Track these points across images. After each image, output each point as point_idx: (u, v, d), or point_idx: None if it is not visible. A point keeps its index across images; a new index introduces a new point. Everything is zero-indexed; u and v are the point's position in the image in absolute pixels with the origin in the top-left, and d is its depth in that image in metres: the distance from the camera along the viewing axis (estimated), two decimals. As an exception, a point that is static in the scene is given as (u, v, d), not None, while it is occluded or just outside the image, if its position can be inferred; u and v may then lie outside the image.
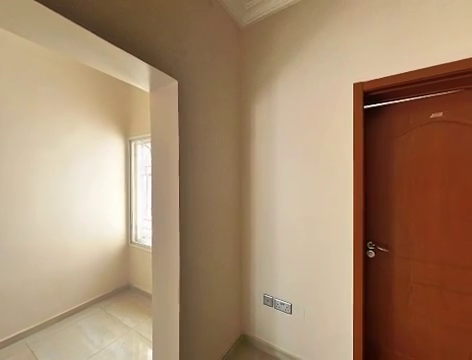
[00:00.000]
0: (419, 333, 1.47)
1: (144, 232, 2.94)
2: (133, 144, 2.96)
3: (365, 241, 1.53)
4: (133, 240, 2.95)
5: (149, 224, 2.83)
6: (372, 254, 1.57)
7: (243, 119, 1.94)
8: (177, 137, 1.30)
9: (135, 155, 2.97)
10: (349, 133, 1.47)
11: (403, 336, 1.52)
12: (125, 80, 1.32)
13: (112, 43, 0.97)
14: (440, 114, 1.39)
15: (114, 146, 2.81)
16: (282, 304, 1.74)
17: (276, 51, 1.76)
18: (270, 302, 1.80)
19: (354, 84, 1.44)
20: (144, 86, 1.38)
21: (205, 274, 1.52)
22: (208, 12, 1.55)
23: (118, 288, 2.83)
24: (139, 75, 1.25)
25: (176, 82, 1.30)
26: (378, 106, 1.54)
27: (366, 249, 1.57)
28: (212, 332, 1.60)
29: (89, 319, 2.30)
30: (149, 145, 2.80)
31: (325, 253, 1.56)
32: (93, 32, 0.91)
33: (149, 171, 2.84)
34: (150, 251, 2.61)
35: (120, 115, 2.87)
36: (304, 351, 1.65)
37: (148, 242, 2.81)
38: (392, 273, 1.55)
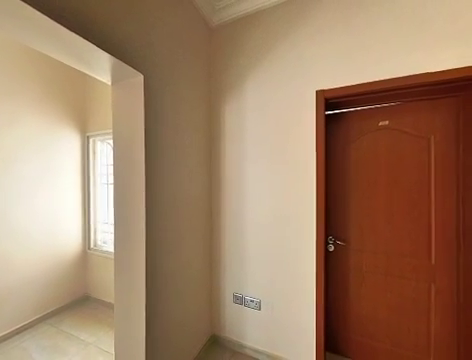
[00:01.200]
0: (369, 316, 1.66)
1: (105, 237, 2.71)
2: (92, 140, 2.69)
3: (326, 236, 1.67)
4: (92, 246, 2.69)
5: (111, 228, 2.62)
6: (332, 248, 1.72)
7: (213, 119, 1.93)
8: (143, 134, 1.23)
9: (94, 152, 2.71)
10: (312, 137, 1.58)
11: (357, 320, 1.70)
12: (82, 70, 1.19)
13: (64, 26, 0.87)
14: (386, 122, 1.59)
15: (69, 142, 2.52)
16: (252, 301, 1.78)
17: (246, 54, 1.79)
18: (240, 300, 1.83)
19: (316, 91, 1.56)
20: (105, 78, 1.27)
21: (174, 277, 1.47)
22: (178, 7, 1.50)
23: (74, 300, 2.55)
24: (99, 66, 1.14)
25: (142, 76, 1.23)
26: (337, 113, 1.70)
27: (327, 243, 1.70)
28: (181, 336, 1.56)
29: (37, 338, 2.02)
30: (111, 142, 2.59)
31: (291, 249, 1.65)
32: (38, 10, 0.79)
33: (111, 170, 2.62)
34: (112, 257, 2.42)
35: (76, 108, 2.59)
36: (272, 345, 1.72)
37: (109, 247, 2.59)
38: (348, 264, 1.72)
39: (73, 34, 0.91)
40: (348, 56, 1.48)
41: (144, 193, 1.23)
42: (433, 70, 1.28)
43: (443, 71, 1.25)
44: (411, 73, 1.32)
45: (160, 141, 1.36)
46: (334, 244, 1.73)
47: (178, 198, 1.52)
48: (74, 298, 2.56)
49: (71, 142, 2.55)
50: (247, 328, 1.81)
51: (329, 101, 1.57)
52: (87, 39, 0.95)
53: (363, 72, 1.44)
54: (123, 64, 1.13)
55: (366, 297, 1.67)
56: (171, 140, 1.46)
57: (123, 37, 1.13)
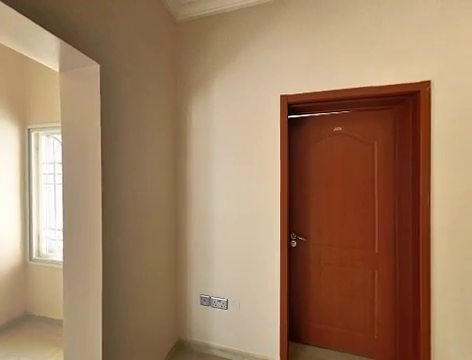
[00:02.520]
0: (326, 303, 1.82)
1: (51, 244, 2.38)
2: (34, 134, 2.33)
3: (289, 233, 1.77)
4: (34, 256, 2.33)
5: (59, 234, 2.31)
6: (294, 244, 1.83)
7: (180, 116, 1.87)
8: (98, 128, 1.12)
9: (37, 148, 2.36)
10: (277, 139, 1.66)
11: (316, 308, 1.85)
12: (22, 52, 1.02)
13: (-1, -1, 0.74)
14: (340, 128, 1.77)
15: (5, 136, 2.14)
16: (219, 301, 1.78)
17: (213, 53, 1.78)
18: (207, 301, 1.81)
19: (281, 95, 1.64)
20: (52, 64, 1.12)
21: (135, 283, 1.38)
22: (139, -5, 1.41)
23: (11, 320, 2.17)
24: (44, 49, 1.00)
25: (98, 66, 1.11)
26: (299, 117, 1.82)
27: (290, 240, 1.81)
28: (145, 346, 1.47)
29: (-43, 373, 1.66)
30: (59, 137, 2.28)
31: (257, 247, 1.70)
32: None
33: (59, 169, 2.31)
34: (60, 267, 2.14)
35: (13, 96, 2.21)
36: (238, 342, 1.74)
37: (57, 256, 2.29)
38: (308, 258, 1.86)
39: (9, 8, 0.77)
40: (309, 66, 1.60)
41: (100, 194, 1.12)
42: (376, 85, 1.47)
43: (383, 86, 1.45)
44: (359, 86, 1.49)
45: (120, 137, 1.26)
46: (296, 240, 1.85)
47: (140, 198, 1.43)
48: (11, 318, 2.18)
49: (8, 136, 2.16)
50: (214, 329, 1.80)
51: (292, 106, 1.67)
52: (28, 16, 0.82)
53: (321, 81, 1.57)
54: (74, 50, 1.00)
55: (324, 287, 1.83)
56: (133, 136, 1.36)
57: (75, 20, 1.01)
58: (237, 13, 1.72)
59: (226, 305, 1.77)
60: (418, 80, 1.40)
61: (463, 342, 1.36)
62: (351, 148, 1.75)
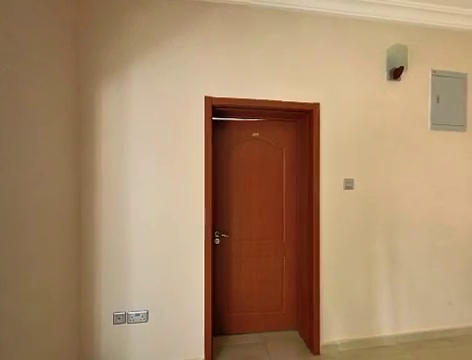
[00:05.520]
0: (246, 292, 2.00)
1: None
2: None
3: (213, 232, 1.82)
4: None
5: None
6: (218, 241, 1.90)
7: (85, 103, 1.55)
8: None
9: None
10: (201, 139, 1.67)
11: (237, 299, 1.99)
12: None
13: None
14: (257, 134, 1.99)
15: None
16: (137, 315, 1.60)
17: (129, 39, 1.59)
18: (122, 319, 1.59)
19: (205, 96, 1.66)
20: None
21: (14, 319, 1.02)
22: None
23: None
24: None
25: None
26: (223, 120, 1.91)
27: (213, 238, 1.87)
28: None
29: None
30: None
31: (181, 249, 1.65)
32: None
33: None
34: None
35: None
36: (162, 353, 1.63)
37: None
38: (231, 252, 1.98)
39: None
40: (232, 72, 1.70)
41: None
42: (284, 100, 1.75)
43: (289, 102, 1.75)
44: (272, 99, 1.73)
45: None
46: (220, 237, 1.93)
47: (21, 206, 1.08)
48: None
49: None
50: (131, 347, 1.60)
51: (216, 108, 1.73)
52: None
53: (242, 89, 1.71)
54: None
55: (244, 277, 2.00)
56: (7, 114, 1.00)
57: None
58: (157, 2, 1.60)
59: (146, 317, 1.61)
60: (312, 101, 1.78)
61: (338, 301, 1.83)
62: (266, 152, 2.01)
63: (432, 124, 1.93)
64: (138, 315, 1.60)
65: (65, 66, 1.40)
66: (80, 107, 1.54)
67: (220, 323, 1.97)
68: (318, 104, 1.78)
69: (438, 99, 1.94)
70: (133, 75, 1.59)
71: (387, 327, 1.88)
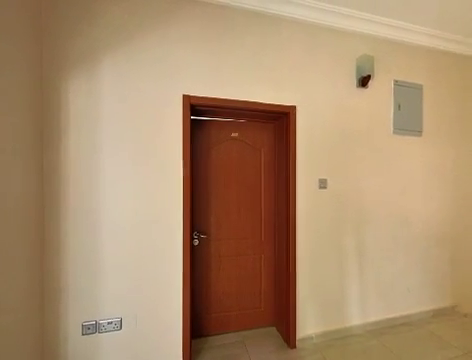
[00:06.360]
0: (225, 292, 2.00)
1: None
2: None
3: (192, 233, 1.79)
4: None
5: None
6: (196, 242, 1.87)
7: (49, 96, 1.42)
8: None
9: None
10: (179, 138, 1.63)
11: (216, 299, 1.98)
12: None
13: None
14: (236, 134, 2.00)
15: None
16: (109, 323, 1.51)
17: (101, 29, 1.49)
18: (92, 328, 1.48)
19: (183, 95, 1.63)
20: None
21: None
22: None
23: None
24: None
25: None
26: (202, 119, 1.88)
27: (192, 239, 1.83)
28: None
29: None
30: None
31: (158, 251, 1.59)
32: None
33: None
34: None
35: None
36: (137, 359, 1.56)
37: None
38: (210, 253, 1.96)
39: None
40: (211, 72, 1.68)
41: None
42: (263, 102, 1.78)
43: (268, 104, 1.79)
44: (251, 100, 1.76)
45: None
46: (198, 238, 1.90)
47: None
48: None
49: None
50: (103, 358, 1.51)
51: (195, 107, 1.70)
52: None
53: (222, 89, 1.70)
54: None
55: (223, 277, 1.99)
56: None
57: None
58: (133, -7, 1.53)
59: (120, 325, 1.53)
60: (289, 104, 1.84)
61: (313, 295, 1.92)
62: (245, 152, 2.03)
63: (394, 129, 2.12)
64: (110, 323, 1.51)
65: (25, 55, 1.27)
66: (41, 99, 1.41)
67: (199, 325, 1.94)
68: (295, 107, 1.84)
69: (399, 106, 2.13)
70: (105, 68, 1.50)
71: (356, 317, 2.03)
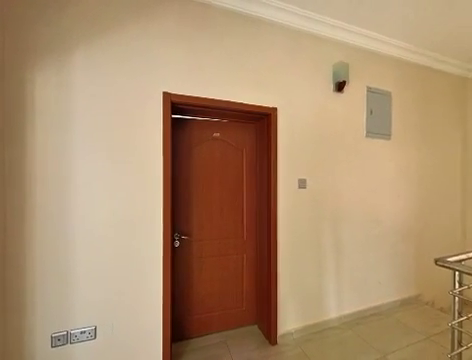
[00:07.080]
0: (207, 293, 1.98)
1: None
2: None
3: (172, 234, 1.74)
4: None
5: None
6: (177, 244, 1.83)
7: (10, 88, 1.29)
8: None
9: None
10: (159, 137, 1.57)
11: (198, 301, 1.96)
12: None
13: None
14: (218, 134, 1.99)
15: None
16: (82, 333, 1.41)
17: (73, 19, 1.39)
18: (63, 339, 1.38)
19: (163, 92, 1.58)
20: None
21: None
22: None
23: None
24: None
25: None
26: (183, 118, 1.84)
27: (173, 240, 1.79)
28: None
29: None
30: None
31: (136, 254, 1.53)
32: None
33: None
34: None
35: None
36: (112, 370, 1.48)
37: None
38: (191, 254, 1.93)
39: None
40: (193, 70, 1.65)
41: None
42: (245, 102, 1.79)
43: (250, 105, 1.81)
44: (233, 100, 1.76)
45: None
46: (179, 240, 1.86)
47: None
48: None
49: None
50: (75, 370, 1.41)
51: (176, 106, 1.66)
52: None
53: (203, 88, 1.68)
54: None
55: (205, 278, 1.97)
56: None
57: None
58: (110, -18, 1.45)
59: (94, 334, 1.44)
60: (270, 105, 1.87)
61: (293, 292, 1.98)
62: (227, 152, 2.02)
63: (366, 132, 2.27)
64: (84, 332, 1.42)
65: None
66: (7, 92, 1.28)
67: (181, 328, 1.90)
68: (276, 109, 1.88)
69: (371, 112, 2.29)
70: (78, 60, 1.40)
71: (333, 310, 2.13)
